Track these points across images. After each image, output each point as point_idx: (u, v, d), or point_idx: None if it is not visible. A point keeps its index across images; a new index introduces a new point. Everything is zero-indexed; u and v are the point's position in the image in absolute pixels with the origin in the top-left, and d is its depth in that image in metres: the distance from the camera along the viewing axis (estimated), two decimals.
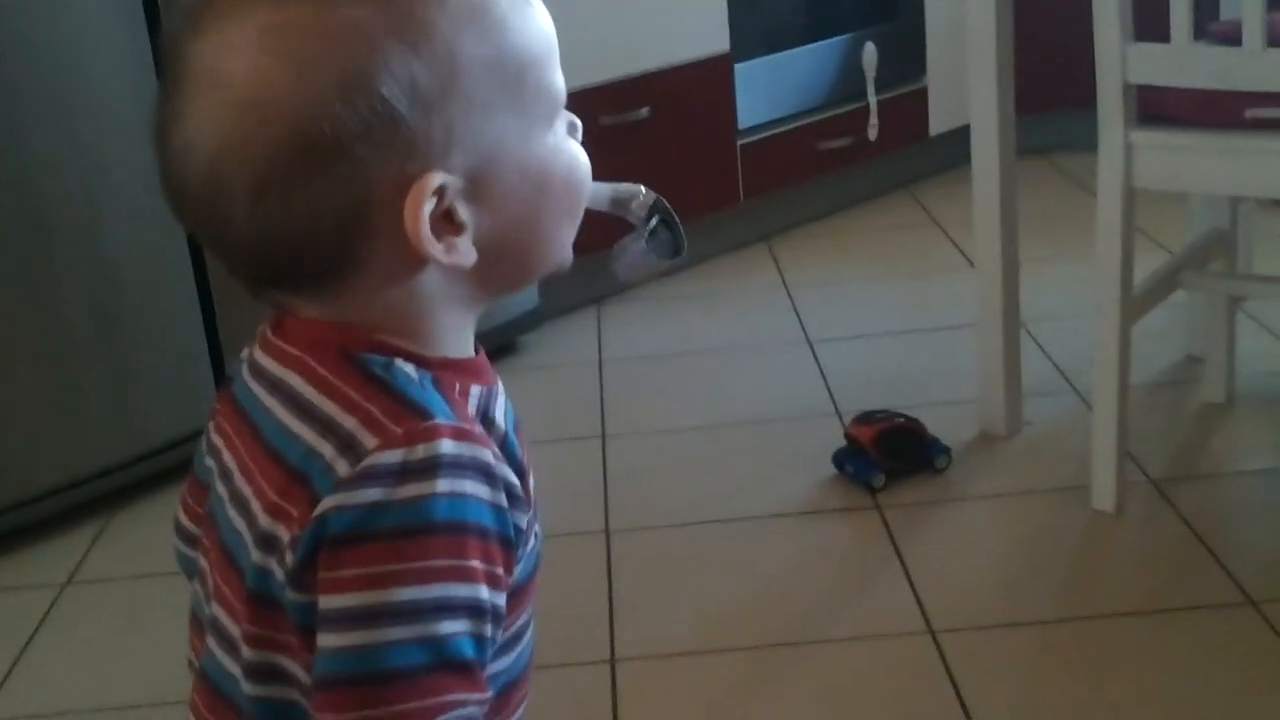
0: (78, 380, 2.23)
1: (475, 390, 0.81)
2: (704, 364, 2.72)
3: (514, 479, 0.77)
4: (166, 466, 2.29)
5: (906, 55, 3.48)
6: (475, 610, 0.74)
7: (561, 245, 0.84)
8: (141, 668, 1.87)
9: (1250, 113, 1.86)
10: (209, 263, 2.32)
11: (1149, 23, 1.92)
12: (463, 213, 0.76)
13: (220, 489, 0.83)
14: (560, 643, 1.84)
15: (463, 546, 0.73)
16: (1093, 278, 1.98)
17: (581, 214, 0.84)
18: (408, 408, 0.75)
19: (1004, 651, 1.76)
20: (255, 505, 0.78)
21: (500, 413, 0.83)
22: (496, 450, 0.77)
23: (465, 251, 0.77)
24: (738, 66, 3.15)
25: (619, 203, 0.93)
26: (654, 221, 0.94)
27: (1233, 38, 1.86)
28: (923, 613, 1.83)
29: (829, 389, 2.52)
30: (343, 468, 0.73)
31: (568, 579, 1.99)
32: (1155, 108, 1.93)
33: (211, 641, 0.83)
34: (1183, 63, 1.86)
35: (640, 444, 2.41)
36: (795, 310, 2.91)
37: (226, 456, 0.83)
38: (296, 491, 0.75)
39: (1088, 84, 1.94)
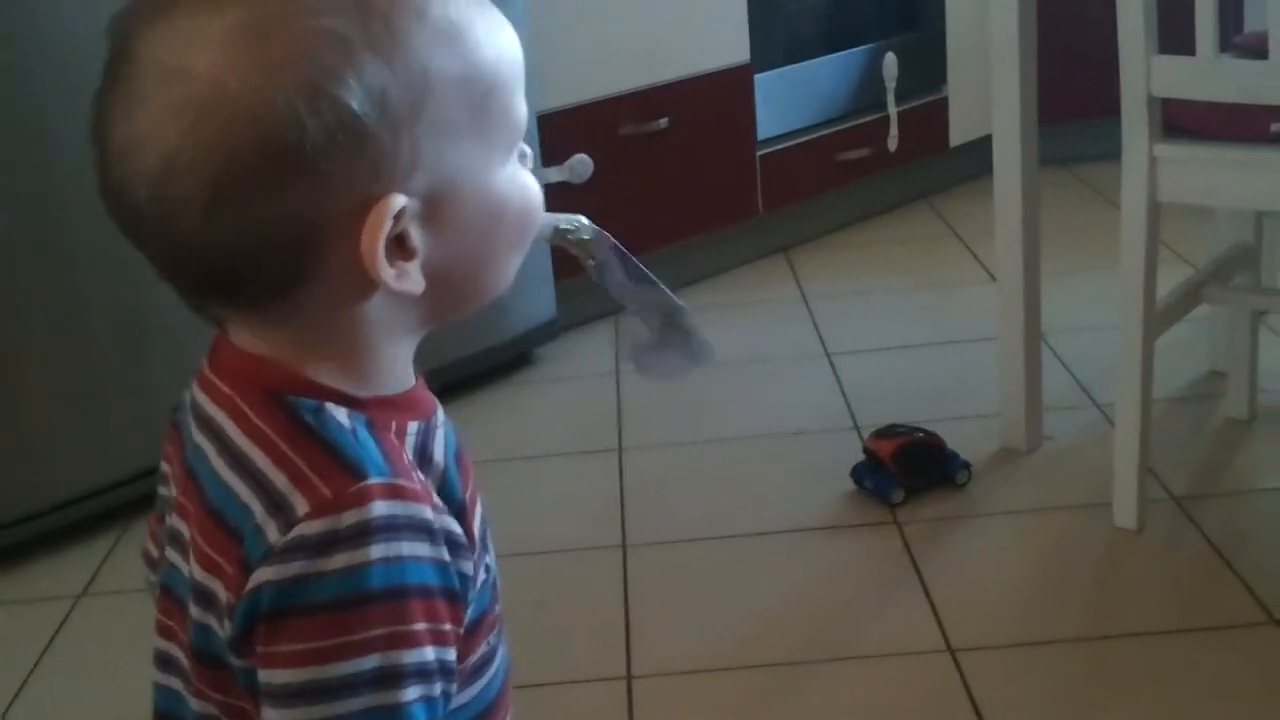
0: (97, 391, 2.22)
1: (412, 427, 0.78)
2: (722, 376, 2.70)
3: (454, 527, 0.74)
4: None
5: (927, 65, 3.46)
6: (422, 674, 0.71)
7: (507, 276, 0.80)
8: None
9: (1276, 126, 1.84)
10: None
11: (1173, 34, 1.90)
12: (416, 238, 0.73)
13: (169, 523, 0.81)
14: (576, 659, 1.83)
15: (404, 611, 0.70)
16: (1115, 291, 1.97)
17: (529, 245, 0.81)
18: (338, 464, 0.72)
19: (1024, 670, 1.74)
20: (191, 553, 0.75)
21: (439, 447, 0.79)
22: (437, 501, 0.74)
23: (415, 279, 0.73)
24: (758, 77, 3.14)
25: (561, 234, 0.91)
26: (596, 262, 0.91)
27: (1258, 49, 1.84)
28: (942, 631, 1.82)
29: (848, 402, 2.50)
30: (273, 534, 0.70)
31: (584, 594, 1.98)
32: (1179, 120, 1.91)
33: (162, 676, 0.81)
34: (1208, 76, 1.84)
35: (657, 457, 2.39)
36: (814, 322, 2.89)
37: (174, 490, 0.81)
38: (230, 548, 0.72)
39: (1111, 95, 1.92)
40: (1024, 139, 2.14)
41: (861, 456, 2.18)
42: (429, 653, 0.71)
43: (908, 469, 2.13)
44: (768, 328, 2.92)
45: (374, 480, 0.71)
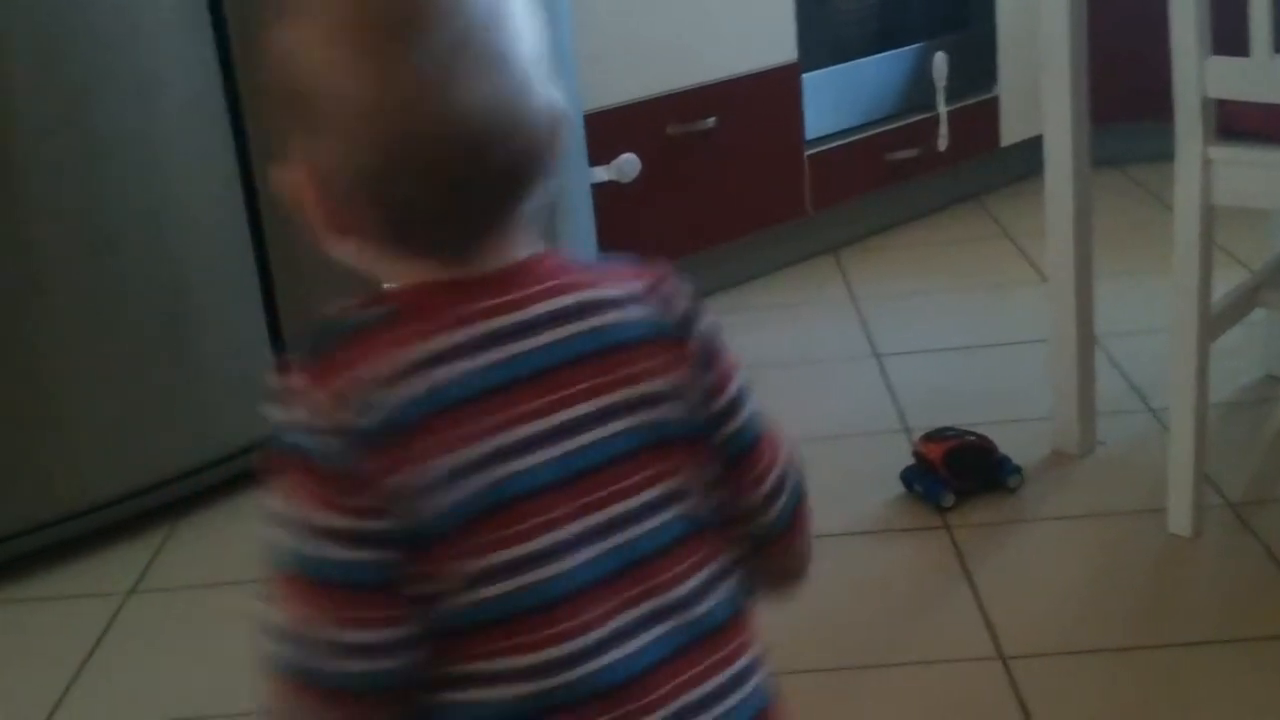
0: (143, 387, 2.23)
1: None
2: (770, 378, 2.68)
3: None
4: (232, 473, 2.30)
5: (977, 65, 3.43)
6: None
7: None
8: (206, 678, 1.87)
9: None
10: (273, 265, 2.33)
11: (1228, 34, 1.88)
12: None
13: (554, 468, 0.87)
14: None
15: None
16: (1169, 293, 1.94)
17: None
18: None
19: (1077, 679, 1.72)
20: (647, 391, 0.89)
21: None
22: None
23: None
24: (805, 76, 3.12)
25: None
26: None
27: None
28: (993, 637, 1.80)
29: (897, 405, 2.48)
30: (680, 305, 0.92)
31: None
32: (1234, 122, 1.89)
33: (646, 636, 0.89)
34: (1262, 77, 1.81)
35: None
36: (863, 324, 2.88)
37: (537, 427, 0.85)
38: (662, 350, 0.90)
39: (1163, 95, 1.90)
40: (1075, 139, 2.11)
41: (911, 460, 2.17)
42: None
43: (958, 473, 2.11)
44: (816, 329, 2.90)
45: None
